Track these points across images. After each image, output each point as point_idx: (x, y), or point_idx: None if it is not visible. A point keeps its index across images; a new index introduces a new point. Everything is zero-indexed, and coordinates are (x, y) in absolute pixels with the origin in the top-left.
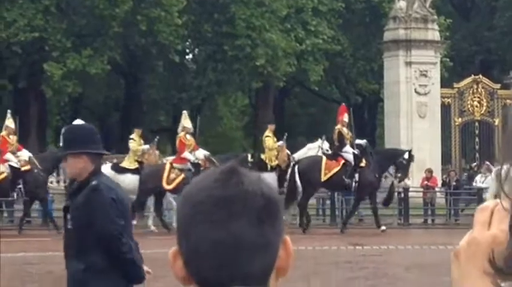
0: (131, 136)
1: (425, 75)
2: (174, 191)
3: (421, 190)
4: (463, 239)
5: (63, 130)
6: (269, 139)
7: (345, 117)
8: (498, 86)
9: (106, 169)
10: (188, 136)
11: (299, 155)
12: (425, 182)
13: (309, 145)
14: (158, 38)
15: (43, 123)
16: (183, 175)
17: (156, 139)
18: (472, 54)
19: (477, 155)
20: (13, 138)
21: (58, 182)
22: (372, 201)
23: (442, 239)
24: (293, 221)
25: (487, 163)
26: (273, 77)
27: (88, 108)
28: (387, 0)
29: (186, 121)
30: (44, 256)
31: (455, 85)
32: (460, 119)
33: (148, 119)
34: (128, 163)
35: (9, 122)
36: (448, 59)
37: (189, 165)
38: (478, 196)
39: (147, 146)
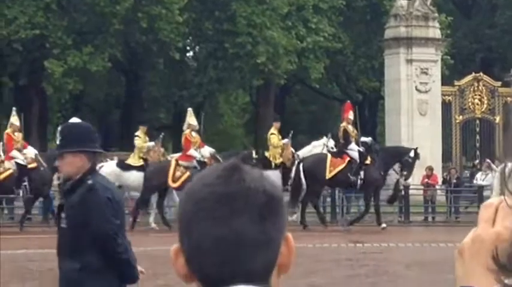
0: (136, 133)
1: (426, 73)
2: (179, 188)
3: (422, 187)
4: (467, 236)
5: (60, 128)
6: (274, 137)
7: (350, 115)
8: (499, 83)
9: (111, 165)
10: (194, 133)
11: (304, 152)
12: (426, 180)
13: (314, 143)
14: (159, 36)
15: (44, 121)
16: (188, 173)
17: (161, 136)
18: (472, 52)
19: (478, 152)
20: (18, 136)
21: (59, 178)
22: (375, 198)
23: (442, 236)
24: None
25: (488, 160)
26: (273, 75)
27: (89, 106)
28: None
29: (191, 118)
30: (44, 253)
31: (456, 83)
32: (460, 117)
33: (149, 117)
34: (133, 160)
35: (14, 120)
36: (448, 57)
37: (195, 162)
38: (479, 193)
39: (152, 143)
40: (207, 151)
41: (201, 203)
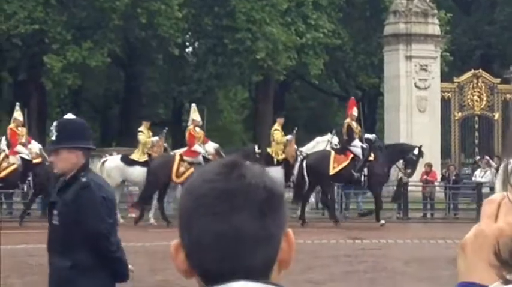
0: (140, 129)
1: (426, 70)
2: (183, 184)
3: (421, 184)
4: (470, 231)
5: (55, 123)
6: (277, 133)
7: (354, 111)
8: (498, 80)
9: (115, 160)
10: (197, 129)
11: (307, 148)
12: (425, 177)
13: (318, 139)
14: (158, 31)
15: (43, 116)
16: (192, 169)
17: (164, 131)
18: (472, 48)
19: (477, 149)
20: (22, 130)
21: None
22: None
23: (441, 233)
24: (292, 215)
25: (487, 157)
26: (273, 71)
27: (88, 101)
28: None
29: (194, 114)
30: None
31: (455, 79)
32: (459, 114)
33: (148, 112)
34: (138, 155)
35: (18, 115)
36: (448, 54)
37: (200, 158)
38: (478, 190)
39: (156, 138)
40: (212, 146)
41: (201, 199)
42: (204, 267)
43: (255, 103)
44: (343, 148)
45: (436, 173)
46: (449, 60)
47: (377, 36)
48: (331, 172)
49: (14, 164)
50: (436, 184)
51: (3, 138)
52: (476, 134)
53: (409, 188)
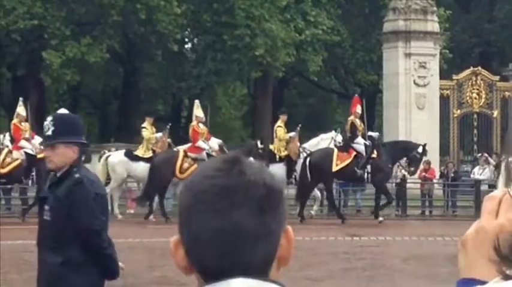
0: (143, 125)
1: (425, 67)
2: None
3: (419, 181)
4: (470, 227)
5: (50, 118)
6: (281, 129)
7: (358, 109)
8: (497, 78)
9: (119, 155)
10: (201, 125)
11: (311, 144)
12: (423, 174)
13: (322, 135)
14: (157, 27)
15: (42, 111)
16: (196, 165)
17: (167, 127)
18: (471, 46)
19: (475, 147)
20: (25, 126)
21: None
22: (378, 191)
23: (439, 230)
24: (291, 211)
25: (485, 154)
26: (272, 67)
27: (87, 97)
28: None
29: (198, 110)
30: None
31: (454, 77)
32: (458, 111)
33: (147, 108)
34: (142, 151)
35: (21, 110)
36: (447, 51)
37: (203, 155)
38: (476, 187)
39: (160, 134)
40: (215, 142)
41: (200, 195)
42: (203, 263)
43: (253, 99)
44: (346, 146)
45: (435, 170)
46: (448, 57)
47: (376, 33)
48: (334, 169)
49: (17, 159)
50: (434, 181)
51: (7, 134)
52: (475, 131)
53: (408, 185)
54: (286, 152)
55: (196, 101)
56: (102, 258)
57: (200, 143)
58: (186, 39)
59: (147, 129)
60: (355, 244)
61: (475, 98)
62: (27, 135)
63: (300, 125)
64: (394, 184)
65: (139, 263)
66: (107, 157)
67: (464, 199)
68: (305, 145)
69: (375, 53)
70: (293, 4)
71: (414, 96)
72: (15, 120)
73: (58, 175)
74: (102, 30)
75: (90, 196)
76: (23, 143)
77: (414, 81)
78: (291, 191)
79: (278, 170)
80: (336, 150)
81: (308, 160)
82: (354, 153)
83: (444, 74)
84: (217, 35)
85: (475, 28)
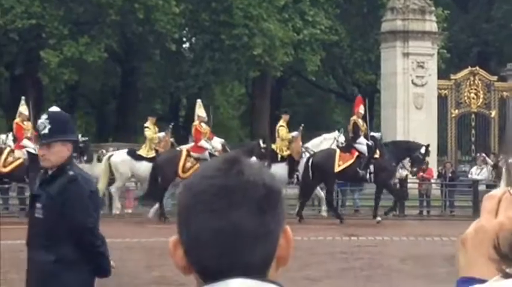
0: (145, 125)
1: (422, 67)
2: None
3: (417, 181)
4: (470, 226)
5: (45, 116)
6: (283, 129)
7: (361, 109)
8: (495, 78)
9: (122, 154)
10: (203, 125)
11: (313, 144)
12: (421, 174)
13: (325, 135)
14: (155, 27)
15: (39, 111)
16: (198, 165)
17: (170, 127)
18: (469, 46)
19: (473, 147)
20: (28, 124)
21: None
22: (379, 191)
23: (437, 230)
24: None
25: (483, 154)
26: (270, 67)
27: (85, 96)
28: None
29: (200, 110)
30: None
31: (452, 77)
32: (456, 111)
33: (145, 108)
34: (145, 151)
35: (23, 109)
36: (445, 51)
37: (206, 154)
38: (474, 187)
39: (162, 134)
40: (218, 142)
41: (199, 195)
42: (202, 264)
43: (251, 99)
44: (348, 146)
45: (432, 170)
46: (446, 57)
47: (374, 33)
48: (337, 170)
49: (19, 158)
50: (432, 181)
51: (10, 134)
52: (473, 131)
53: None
54: (288, 152)
55: (199, 101)
56: (95, 256)
57: (203, 143)
58: (184, 39)
59: (150, 129)
60: (353, 243)
61: (473, 98)
62: (29, 134)
63: (302, 125)
64: (397, 185)
65: (138, 263)
66: (109, 157)
67: (462, 199)
68: (307, 145)
69: (373, 52)
70: (291, 3)
71: (412, 96)
72: (17, 120)
73: (50, 172)
74: (100, 29)
75: (85, 194)
76: (25, 142)
77: (412, 81)
78: (292, 191)
79: (280, 169)
80: (338, 151)
81: (311, 160)
82: (356, 153)
83: (442, 74)
84: (215, 34)
85: (473, 28)
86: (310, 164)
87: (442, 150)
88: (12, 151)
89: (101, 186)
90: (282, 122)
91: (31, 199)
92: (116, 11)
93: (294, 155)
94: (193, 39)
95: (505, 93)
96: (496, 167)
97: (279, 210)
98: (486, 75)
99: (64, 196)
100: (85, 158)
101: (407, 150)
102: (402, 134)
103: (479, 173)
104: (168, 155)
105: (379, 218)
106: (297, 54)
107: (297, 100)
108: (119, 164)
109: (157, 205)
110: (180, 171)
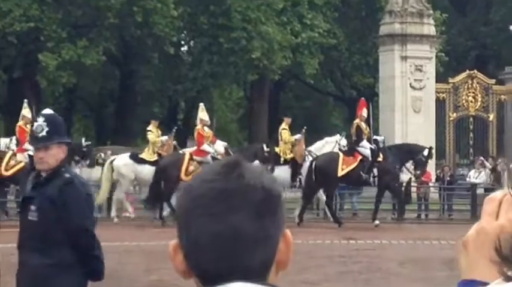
0: (148, 128)
1: (421, 70)
2: None
3: (415, 184)
4: (471, 229)
5: (42, 118)
6: (285, 132)
7: (364, 112)
8: (493, 81)
9: (124, 158)
10: (206, 128)
11: (316, 147)
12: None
13: (327, 139)
14: (154, 30)
15: (37, 114)
16: (201, 168)
17: (173, 130)
18: (467, 49)
19: (471, 150)
20: (30, 128)
21: None
22: (380, 194)
23: (435, 234)
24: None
25: (481, 158)
26: (268, 70)
27: (83, 99)
28: None
29: (202, 113)
30: None
31: (450, 80)
32: (454, 114)
33: (143, 111)
34: (148, 154)
35: (26, 112)
36: (443, 54)
37: (209, 158)
38: (472, 191)
39: (165, 137)
40: (221, 145)
41: (198, 199)
42: (202, 267)
43: (250, 102)
44: (351, 149)
45: (431, 173)
46: (444, 60)
47: (372, 36)
48: (340, 173)
49: (21, 162)
50: (430, 184)
51: (14, 138)
52: (471, 134)
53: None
54: (291, 155)
55: (201, 104)
56: (90, 259)
57: (205, 147)
58: (183, 42)
59: (153, 133)
60: (351, 247)
61: (471, 101)
62: None
63: (305, 128)
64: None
65: (137, 266)
66: (112, 161)
67: (460, 203)
68: (311, 148)
69: (371, 56)
70: (289, 7)
71: (410, 100)
72: (20, 123)
73: (44, 175)
74: (99, 32)
75: (82, 197)
76: (27, 145)
77: (410, 84)
78: (292, 195)
79: (283, 172)
80: (341, 154)
81: (314, 164)
82: (360, 157)
83: (440, 77)
84: (214, 37)
85: (471, 31)
86: (313, 167)
87: (440, 153)
88: (14, 155)
89: (104, 191)
90: (284, 125)
91: (23, 202)
92: (114, 14)
93: (297, 158)
94: (191, 43)
95: (503, 97)
96: (494, 170)
97: (278, 214)
98: (484, 78)
99: (61, 198)
100: (87, 162)
101: (410, 153)
102: (400, 138)
103: (477, 176)
104: (171, 158)
105: (377, 222)
106: (295, 58)
107: (295, 103)
108: (121, 168)
109: (168, 208)
110: (182, 174)
